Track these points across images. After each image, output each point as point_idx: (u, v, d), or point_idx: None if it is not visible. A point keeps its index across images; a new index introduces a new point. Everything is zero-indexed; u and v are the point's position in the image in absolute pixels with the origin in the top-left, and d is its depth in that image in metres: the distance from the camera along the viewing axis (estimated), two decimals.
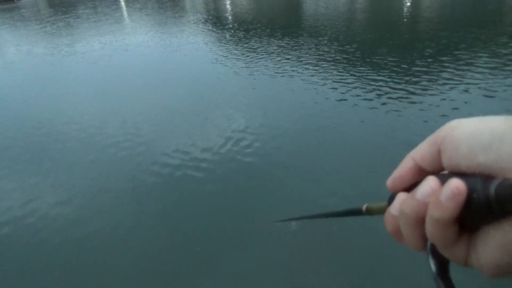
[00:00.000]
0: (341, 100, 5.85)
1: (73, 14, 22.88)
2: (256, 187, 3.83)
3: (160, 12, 20.57)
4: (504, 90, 5.53)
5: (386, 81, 6.42)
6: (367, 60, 7.91)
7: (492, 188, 0.26)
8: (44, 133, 5.67)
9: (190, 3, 26.07)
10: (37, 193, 4.10)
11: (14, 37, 16.52)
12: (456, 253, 0.31)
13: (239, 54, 9.33)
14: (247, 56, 9.06)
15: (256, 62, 8.39)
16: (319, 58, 8.21)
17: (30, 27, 18.79)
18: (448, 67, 6.74)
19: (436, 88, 5.89)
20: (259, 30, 12.42)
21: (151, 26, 15.94)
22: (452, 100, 5.38)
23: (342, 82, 6.58)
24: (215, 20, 16.34)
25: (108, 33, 14.57)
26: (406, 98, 5.65)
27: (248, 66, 8.20)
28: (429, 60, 7.32)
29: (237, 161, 4.35)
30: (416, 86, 6.04)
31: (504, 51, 7.19)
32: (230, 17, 17.05)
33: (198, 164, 4.34)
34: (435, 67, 6.85)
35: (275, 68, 7.79)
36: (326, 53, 8.60)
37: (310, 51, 8.92)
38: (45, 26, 18.22)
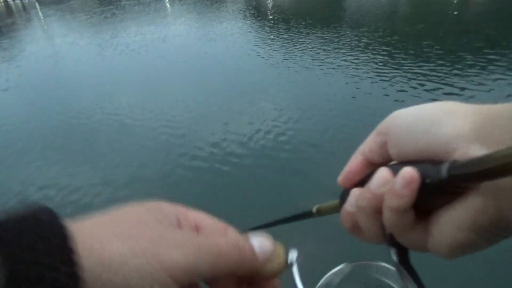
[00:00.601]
0: (382, 95, 5.65)
1: (118, 6, 23.59)
2: (286, 179, 3.82)
3: (201, 3, 20.72)
4: None
5: (429, 75, 6.13)
6: (410, 52, 7.62)
7: (444, 170, 0.27)
8: (85, 122, 5.89)
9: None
10: (76, 179, 4.27)
11: (61, 28, 17.29)
12: (414, 239, 0.31)
13: (278, 46, 9.23)
14: (286, 47, 8.95)
15: (295, 54, 8.26)
16: (359, 51, 7.97)
17: (77, 19, 19.53)
18: (496, 61, 6.36)
19: (484, 82, 5.59)
20: (299, 21, 12.20)
21: (192, 16, 16.12)
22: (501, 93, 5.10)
23: (383, 76, 6.35)
24: (255, 11, 16.29)
25: (150, 24, 14.87)
26: (451, 93, 5.39)
27: (286, 58, 8.10)
28: (476, 54, 6.90)
29: (266, 155, 4.34)
30: (461, 81, 5.75)
31: None
32: (269, 8, 16.85)
33: (227, 157, 4.36)
34: (482, 61, 6.46)
35: (313, 61, 7.64)
36: (366, 45, 8.33)
37: (350, 43, 8.67)
38: (91, 17, 18.88)
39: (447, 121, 0.29)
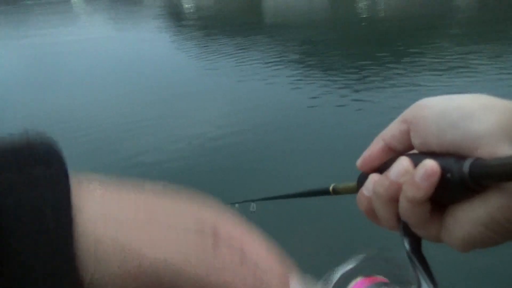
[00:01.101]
0: (301, 97, 5.94)
1: (21, 7, 21.79)
2: (218, 171, 3.93)
3: (118, 8, 19.75)
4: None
5: (339, 80, 6.57)
6: (327, 58, 8.08)
7: (466, 167, 0.27)
8: None
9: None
10: None
11: None
12: (428, 230, 0.32)
13: (199, 52, 9.17)
14: (207, 54, 8.93)
15: (216, 61, 8.27)
16: (279, 56, 8.25)
17: None
18: (401, 67, 6.91)
19: (393, 85, 6.07)
20: (220, 26, 12.39)
21: (108, 22, 15.28)
22: (405, 98, 5.42)
23: (303, 80, 6.66)
24: (175, 16, 15.95)
25: (58, 27, 13.86)
26: (357, 99, 5.79)
27: (208, 64, 8.08)
28: (387, 58, 7.48)
29: (200, 153, 4.40)
30: (363, 86, 6.20)
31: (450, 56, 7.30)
32: (189, 13, 16.74)
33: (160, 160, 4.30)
34: (393, 65, 7.04)
35: (236, 67, 7.73)
36: (285, 51, 8.70)
37: (270, 49, 8.98)
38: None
39: (479, 116, 0.28)
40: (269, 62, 7.78)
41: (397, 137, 0.34)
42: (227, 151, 4.37)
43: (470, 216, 0.28)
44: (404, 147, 0.35)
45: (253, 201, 1.03)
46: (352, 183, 0.40)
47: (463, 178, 0.27)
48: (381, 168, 0.36)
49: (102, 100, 6.46)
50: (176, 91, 6.49)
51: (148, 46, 10.24)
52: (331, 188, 0.44)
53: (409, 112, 0.34)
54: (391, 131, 0.35)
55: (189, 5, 19.41)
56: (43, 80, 7.89)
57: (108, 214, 0.24)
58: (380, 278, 0.40)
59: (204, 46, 9.69)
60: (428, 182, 0.28)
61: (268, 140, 4.62)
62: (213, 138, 4.65)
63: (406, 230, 0.33)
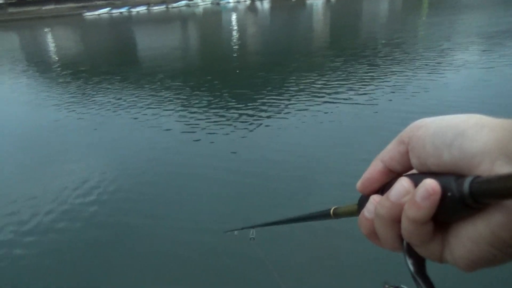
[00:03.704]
0: (185, 127, 6.25)
1: None
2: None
3: None
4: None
5: (221, 104, 7.24)
6: (203, 87, 8.71)
7: (466, 185, 0.27)
8: None
9: (6, 45, 23.83)
10: None
11: None
12: (431, 250, 0.31)
13: (71, 97, 9.02)
14: (81, 98, 8.80)
15: (93, 104, 8.18)
16: (157, 92, 8.59)
17: None
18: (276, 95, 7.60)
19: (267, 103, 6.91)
20: (90, 69, 12.28)
21: None
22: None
23: (183, 116, 6.90)
24: (40, 63, 15.17)
25: None
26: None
27: (83, 109, 7.93)
28: (258, 84, 8.49)
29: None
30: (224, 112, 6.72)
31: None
32: (56, 58, 16.19)
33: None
34: (263, 89, 7.96)
35: (112, 110, 7.70)
36: (163, 87, 9.05)
37: (146, 87, 9.21)
38: None
39: (472, 135, 0.28)
40: (147, 101, 7.96)
41: (396, 159, 0.35)
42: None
43: (473, 234, 0.28)
44: (403, 168, 0.35)
45: (252, 227, 1.02)
46: (353, 205, 0.40)
47: (464, 196, 0.27)
48: (382, 189, 0.36)
49: None
50: (48, 145, 6.21)
51: (9, 100, 9.71)
52: (331, 211, 0.43)
53: (406, 133, 0.34)
54: (390, 153, 0.35)
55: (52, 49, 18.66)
56: None
57: None
58: None
59: (76, 91, 9.53)
60: (429, 202, 0.28)
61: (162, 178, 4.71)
62: None
63: (410, 251, 0.33)
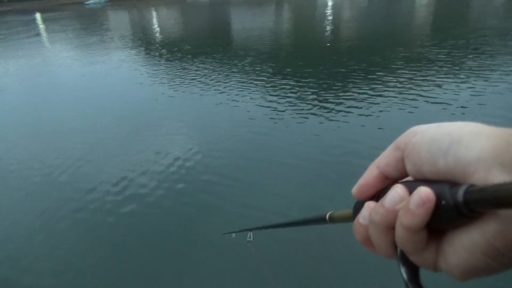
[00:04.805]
0: (270, 113, 6.08)
1: None
2: (202, 203, 3.83)
3: (85, 33, 19.43)
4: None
5: (312, 92, 6.93)
6: (293, 73, 8.35)
7: (460, 194, 0.27)
8: None
9: (115, 22, 25.35)
10: None
11: None
12: (425, 258, 0.31)
13: (169, 75, 9.20)
14: (177, 76, 8.96)
15: (186, 82, 8.32)
16: (247, 75, 8.48)
17: None
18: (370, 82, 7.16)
19: (361, 96, 6.37)
20: (188, 48, 12.59)
21: (76, 48, 14.86)
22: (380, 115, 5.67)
23: (273, 97, 6.86)
24: (144, 39, 15.92)
25: (26, 57, 13.47)
26: (329, 110, 6.03)
27: (178, 86, 8.10)
28: (351, 74, 7.87)
29: (183, 180, 4.30)
30: (343, 99, 6.41)
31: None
32: (158, 35, 16.82)
33: (140, 188, 4.21)
34: (356, 80, 7.42)
35: (206, 88, 7.82)
36: (254, 69, 8.93)
37: (237, 68, 9.20)
38: None
39: (468, 143, 0.28)
40: (239, 80, 7.99)
41: (392, 165, 0.34)
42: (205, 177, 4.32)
43: (467, 243, 0.28)
44: (399, 175, 0.35)
45: (249, 230, 1.04)
46: (349, 210, 0.40)
47: (458, 204, 0.27)
48: (377, 195, 0.36)
49: (69, 127, 6.33)
50: (147, 117, 6.43)
51: (113, 73, 10.18)
52: (327, 216, 0.44)
53: (402, 139, 0.34)
54: (386, 159, 0.35)
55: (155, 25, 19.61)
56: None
57: None
58: None
59: (173, 68, 9.85)
60: (423, 209, 0.28)
61: (246, 158, 4.67)
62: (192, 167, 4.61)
63: (403, 258, 0.33)
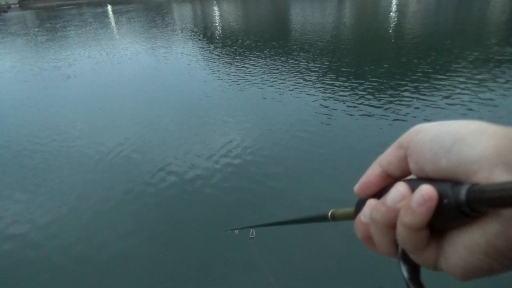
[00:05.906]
0: (327, 112, 5.90)
1: (61, 27, 22.31)
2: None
3: (149, 26, 20.14)
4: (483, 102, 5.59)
5: (371, 92, 6.59)
6: (353, 72, 8.06)
7: (463, 193, 0.26)
8: (38, 152, 5.43)
9: (178, 14, 26.19)
10: (36, 208, 4.06)
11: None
12: (426, 257, 0.31)
13: (229, 68, 9.30)
14: (236, 69, 9.04)
15: (245, 76, 8.36)
16: (306, 71, 8.30)
17: (16, 41, 18.20)
18: (433, 80, 6.83)
19: (424, 99, 5.99)
20: (247, 41, 12.61)
21: (141, 40, 15.48)
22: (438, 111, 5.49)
23: (328, 95, 6.67)
24: (204, 32, 16.21)
25: (96, 47, 14.18)
26: (389, 108, 5.79)
27: (237, 79, 8.16)
28: (414, 73, 7.43)
29: (228, 171, 4.39)
30: (399, 98, 6.16)
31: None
32: (218, 29, 17.10)
33: (184, 177, 4.34)
34: (420, 80, 6.97)
35: (263, 81, 7.80)
36: (313, 66, 8.71)
37: (298, 64, 9.01)
38: (32, 40, 17.74)
39: (471, 141, 0.27)
40: (297, 76, 7.93)
41: (394, 163, 0.34)
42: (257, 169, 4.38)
43: (469, 243, 0.27)
44: (402, 173, 0.34)
45: (252, 227, 1.02)
46: (351, 208, 0.40)
47: (460, 204, 0.26)
48: (379, 194, 0.35)
49: (127, 115, 6.64)
50: (203, 108, 6.61)
51: (173, 62, 10.54)
52: (329, 214, 0.44)
53: (405, 138, 0.33)
54: (388, 157, 0.35)
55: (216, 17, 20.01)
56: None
57: None
58: None
59: (233, 61, 9.96)
60: (425, 208, 0.28)
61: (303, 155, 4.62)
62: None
63: (404, 257, 0.32)
